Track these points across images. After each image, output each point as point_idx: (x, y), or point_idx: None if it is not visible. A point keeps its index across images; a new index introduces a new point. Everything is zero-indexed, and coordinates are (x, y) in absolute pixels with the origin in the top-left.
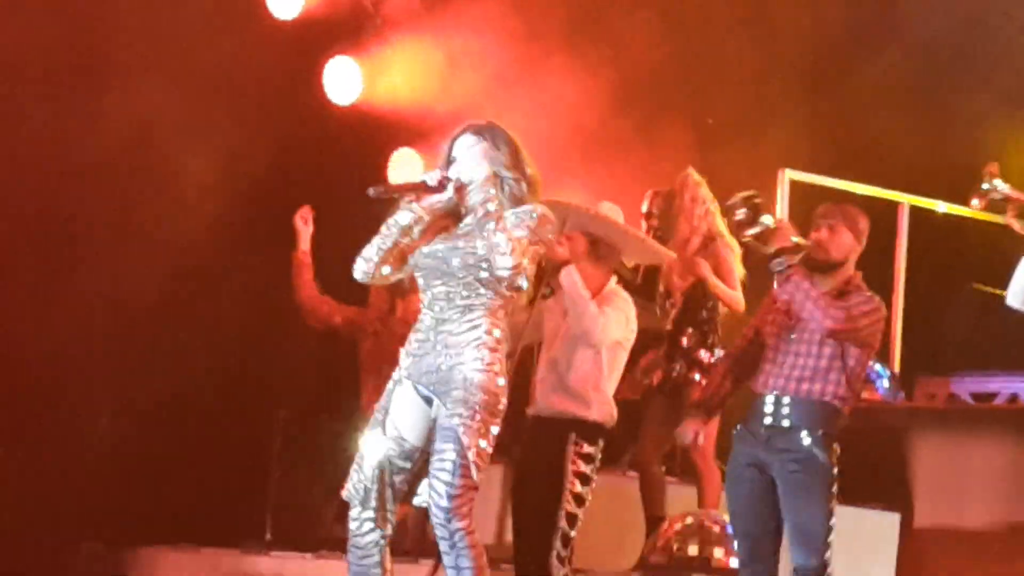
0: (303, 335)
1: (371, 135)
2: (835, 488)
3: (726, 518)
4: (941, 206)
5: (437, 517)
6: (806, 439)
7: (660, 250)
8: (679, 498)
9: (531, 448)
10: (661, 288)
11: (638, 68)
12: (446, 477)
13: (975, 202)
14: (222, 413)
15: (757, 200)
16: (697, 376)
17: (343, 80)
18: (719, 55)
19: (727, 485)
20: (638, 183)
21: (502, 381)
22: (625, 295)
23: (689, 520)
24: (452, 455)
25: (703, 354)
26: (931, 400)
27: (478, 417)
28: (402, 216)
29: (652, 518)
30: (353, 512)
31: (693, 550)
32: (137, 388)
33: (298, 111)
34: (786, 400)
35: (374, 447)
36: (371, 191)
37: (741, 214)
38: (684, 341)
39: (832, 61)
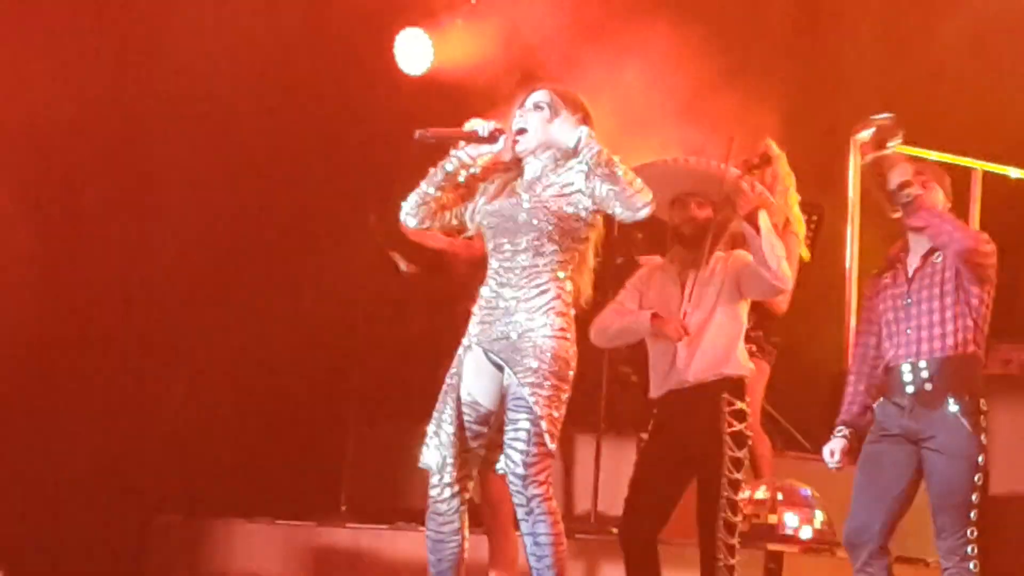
0: (380, 309)
1: (442, 106)
2: (982, 458)
3: (802, 488)
4: (1013, 172)
5: (514, 485)
6: (952, 406)
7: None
8: None
9: (679, 420)
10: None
11: (709, 35)
12: (520, 446)
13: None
14: (297, 385)
15: (890, 123)
16: (754, 348)
17: (414, 51)
18: (788, 24)
19: (865, 454)
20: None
21: (572, 347)
22: None
23: (765, 489)
24: (526, 424)
25: (756, 333)
26: (1006, 366)
27: (548, 384)
28: (448, 163)
29: None
30: (433, 479)
31: (771, 519)
32: (212, 360)
33: (369, 82)
34: (923, 364)
35: (449, 413)
36: (417, 133)
37: (867, 136)
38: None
39: (904, 25)
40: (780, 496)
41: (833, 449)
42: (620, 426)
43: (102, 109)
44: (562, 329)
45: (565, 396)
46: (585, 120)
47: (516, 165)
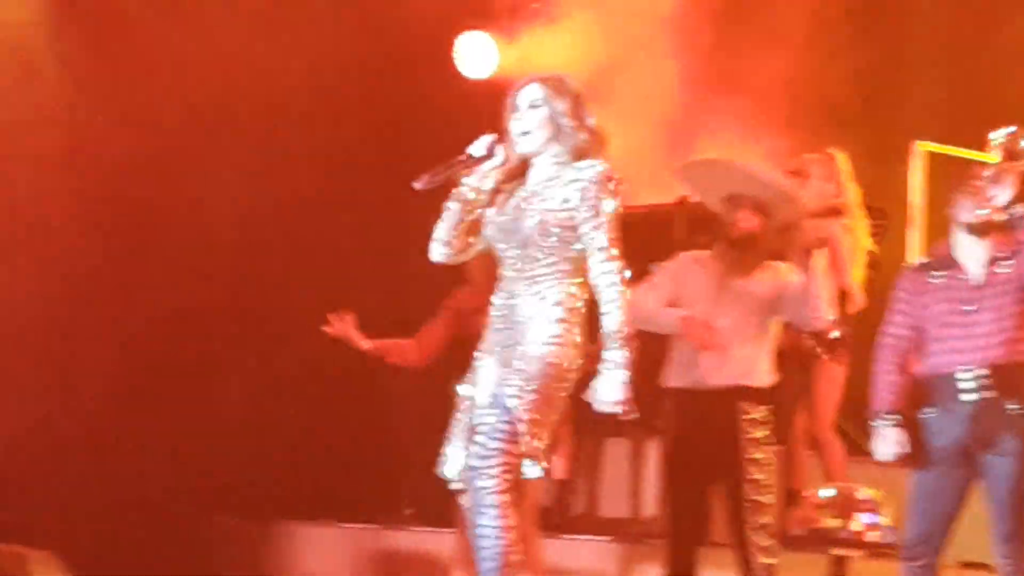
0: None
1: (504, 110)
2: None
3: (867, 491)
4: None
5: (468, 474)
6: (1012, 408)
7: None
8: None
9: (697, 422)
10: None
11: (766, 42)
12: (480, 439)
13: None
14: (360, 388)
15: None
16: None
17: (477, 55)
18: (850, 23)
19: (923, 473)
20: (781, 158)
21: (570, 352)
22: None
23: (830, 492)
24: (491, 419)
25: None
26: None
27: (532, 388)
28: (459, 193)
29: (790, 491)
30: (457, 485)
31: (834, 522)
32: (275, 363)
33: (430, 86)
34: (984, 372)
35: (464, 421)
36: (417, 184)
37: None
38: None
39: (968, 25)
40: (844, 500)
41: (900, 440)
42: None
43: (153, 124)
44: (560, 336)
45: (557, 399)
46: (577, 102)
47: (523, 170)
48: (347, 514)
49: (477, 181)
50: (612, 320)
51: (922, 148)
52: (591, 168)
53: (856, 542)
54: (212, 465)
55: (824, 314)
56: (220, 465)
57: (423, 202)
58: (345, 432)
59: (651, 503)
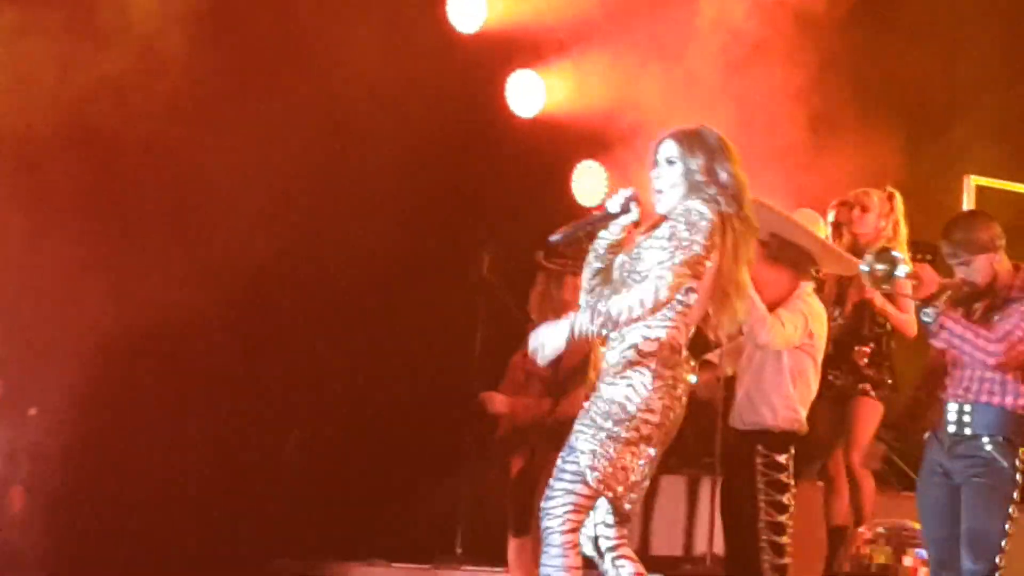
0: (494, 351)
1: (554, 148)
2: (1016, 495)
3: (916, 526)
4: None
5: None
6: (987, 445)
7: (849, 259)
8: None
9: (726, 462)
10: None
11: (820, 77)
12: (549, 479)
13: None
14: (411, 427)
15: (893, 252)
16: (869, 387)
17: (525, 92)
18: (900, 59)
19: (918, 490)
20: (828, 191)
21: (641, 394)
22: (811, 302)
23: (880, 529)
24: (558, 460)
25: (872, 372)
26: None
27: (594, 426)
28: (596, 250)
29: (836, 528)
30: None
31: (883, 558)
32: (326, 405)
33: (480, 123)
34: (967, 408)
35: None
36: (552, 239)
37: (880, 270)
38: (855, 356)
39: (1020, 58)
40: (895, 536)
41: None
42: None
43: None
44: (629, 377)
45: (622, 440)
46: (711, 157)
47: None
48: (400, 554)
49: (614, 234)
50: (619, 299)
51: (974, 183)
52: (684, 206)
53: None
54: (266, 507)
55: (747, 328)
56: (274, 507)
57: (473, 242)
58: (396, 472)
59: (702, 541)
